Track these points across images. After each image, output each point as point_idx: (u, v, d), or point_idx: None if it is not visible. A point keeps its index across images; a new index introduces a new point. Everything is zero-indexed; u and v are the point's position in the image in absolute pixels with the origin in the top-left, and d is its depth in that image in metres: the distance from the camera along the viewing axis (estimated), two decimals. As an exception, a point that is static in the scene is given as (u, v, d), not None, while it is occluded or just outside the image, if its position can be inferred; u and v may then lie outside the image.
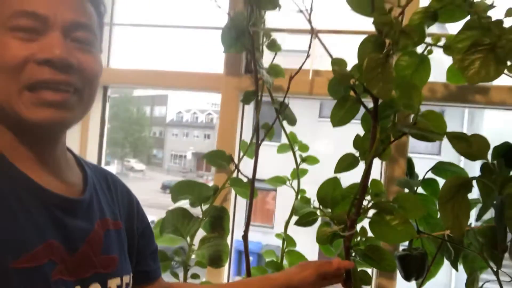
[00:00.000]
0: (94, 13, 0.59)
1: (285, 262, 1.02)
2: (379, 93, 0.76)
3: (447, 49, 0.81)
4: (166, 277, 0.97)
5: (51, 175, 0.58)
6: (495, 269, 0.88)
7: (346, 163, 0.88)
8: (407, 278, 0.94)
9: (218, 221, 1.03)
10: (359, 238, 0.87)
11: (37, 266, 0.50)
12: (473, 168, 1.01)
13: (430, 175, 1.00)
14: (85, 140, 1.17)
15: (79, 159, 0.68)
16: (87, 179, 0.64)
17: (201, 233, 1.04)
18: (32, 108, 0.52)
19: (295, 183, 1.05)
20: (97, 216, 0.62)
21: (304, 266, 0.75)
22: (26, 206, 0.52)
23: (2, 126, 0.55)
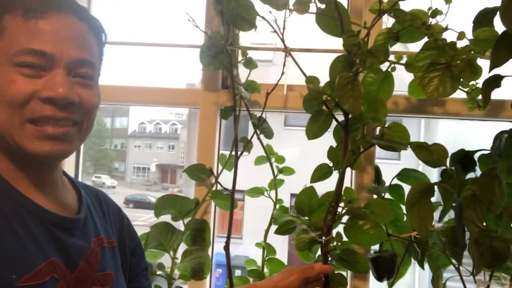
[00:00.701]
0: (96, 44, 0.62)
1: (265, 270, 1.06)
2: (350, 109, 0.83)
3: (408, 66, 0.90)
4: (150, 290, 0.99)
5: (49, 196, 0.60)
6: (456, 266, 0.97)
7: (321, 173, 0.94)
8: (379, 278, 1.01)
9: (199, 234, 1.06)
10: (335, 243, 0.93)
11: (40, 283, 0.52)
12: (430, 172, 1.11)
13: (395, 181, 1.09)
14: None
15: (73, 180, 0.70)
16: (81, 199, 0.67)
17: (183, 246, 1.06)
18: (34, 140, 0.55)
19: (272, 193, 1.10)
20: (93, 234, 0.65)
21: (289, 272, 0.78)
22: (27, 226, 0.54)
23: (2, 153, 0.57)
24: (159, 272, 1.00)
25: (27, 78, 0.54)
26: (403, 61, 0.92)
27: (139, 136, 29.33)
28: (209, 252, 1.09)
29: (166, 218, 1.06)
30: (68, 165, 1.23)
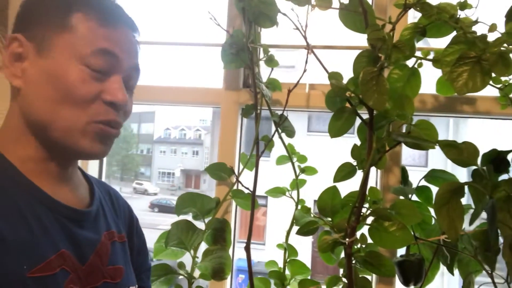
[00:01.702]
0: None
1: (287, 272, 1.04)
2: (375, 105, 0.80)
3: (436, 62, 0.86)
4: (170, 289, 0.99)
5: (62, 188, 0.61)
6: (489, 271, 0.92)
7: (344, 172, 0.91)
8: (406, 283, 0.97)
9: (220, 233, 1.05)
10: (359, 245, 0.90)
11: (51, 275, 0.52)
12: (459, 176, 1.06)
13: (423, 182, 1.05)
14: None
15: (85, 173, 0.71)
16: (93, 192, 0.68)
17: (203, 246, 1.05)
18: (89, 139, 0.58)
19: (294, 193, 1.08)
20: (104, 228, 0.65)
21: None
22: (39, 218, 0.55)
23: (34, 145, 0.58)
24: (179, 271, 1.00)
25: (94, 80, 0.57)
26: (430, 56, 0.89)
27: (164, 142, 29.84)
28: (230, 253, 1.07)
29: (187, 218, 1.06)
30: (92, 168, 1.25)
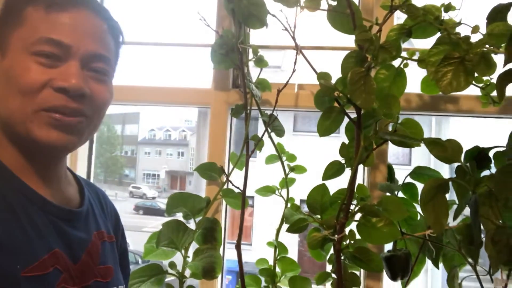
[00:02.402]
0: (112, 43, 0.63)
1: (277, 269, 1.05)
2: (362, 104, 0.82)
3: (421, 62, 0.89)
4: (162, 289, 0.99)
5: (53, 189, 0.61)
6: (473, 264, 0.95)
7: (333, 170, 0.93)
8: (393, 278, 1.00)
9: (210, 233, 1.06)
10: (348, 241, 0.92)
11: (44, 274, 0.52)
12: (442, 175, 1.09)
13: (408, 179, 1.07)
14: (74, 161, 1.18)
15: (75, 174, 0.71)
16: (83, 193, 0.68)
17: (193, 245, 1.06)
18: (43, 127, 0.55)
19: (283, 192, 1.09)
20: (94, 228, 0.66)
21: None
22: (32, 217, 0.55)
23: (10, 144, 0.58)
24: (170, 271, 1.00)
25: (42, 67, 0.55)
26: (415, 57, 0.91)
27: (149, 143, 29.57)
28: (221, 252, 1.08)
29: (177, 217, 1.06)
30: (80, 172, 1.24)
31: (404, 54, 0.93)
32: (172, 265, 1.02)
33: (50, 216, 0.57)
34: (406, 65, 0.93)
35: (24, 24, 0.56)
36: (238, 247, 1.03)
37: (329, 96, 0.89)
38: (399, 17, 1.01)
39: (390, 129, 0.94)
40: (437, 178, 0.85)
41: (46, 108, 0.55)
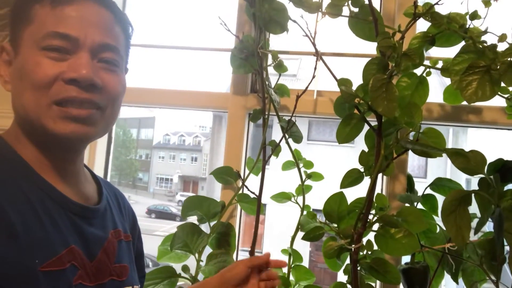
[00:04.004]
0: (122, 34, 0.63)
1: (291, 278, 1.03)
2: (384, 111, 0.81)
3: (445, 71, 0.87)
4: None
5: (71, 186, 0.61)
6: (494, 281, 0.92)
7: (351, 178, 0.92)
8: (410, 291, 0.97)
9: (224, 238, 1.05)
10: (365, 252, 0.90)
11: (61, 269, 0.52)
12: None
13: (428, 191, 1.05)
14: (92, 161, 1.20)
15: (93, 173, 0.72)
16: (101, 191, 0.68)
17: (207, 249, 1.05)
18: (58, 121, 0.56)
19: (299, 199, 1.08)
20: (111, 226, 0.66)
21: (236, 263, 0.76)
22: (50, 213, 0.55)
23: (28, 140, 0.59)
24: (183, 275, 0.99)
25: (52, 61, 0.56)
26: (439, 65, 0.89)
27: (163, 147, 29.81)
28: (234, 257, 1.07)
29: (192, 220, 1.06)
30: (97, 172, 1.25)
31: (426, 62, 0.91)
32: (185, 268, 1.02)
33: (68, 213, 0.57)
34: (429, 73, 0.91)
35: (33, 22, 0.57)
36: (251, 255, 1.02)
37: (349, 102, 0.87)
38: (421, 24, 1.00)
39: (411, 138, 0.92)
40: (460, 190, 0.82)
41: (58, 101, 0.56)
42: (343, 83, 0.87)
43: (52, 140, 0.57)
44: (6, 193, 0.51)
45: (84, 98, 0.56)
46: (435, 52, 1.04)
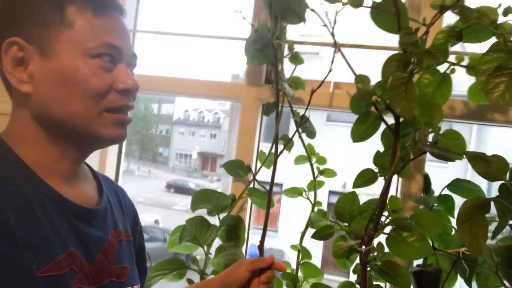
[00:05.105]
0: None
1: (300, 274, 1.03)
2: (402, 112, 0.77)
3: (470, 69, 0.82)
4: (182, 283, 0.99)
5: (72, 186, 0.61)
6: (510, 289, 0.88)
7: (364, 178, 0.89)
8: (421, 294, 0.95)
9: (234, 230, 1.05)
10: (375, 254, 0.88)
11: (59, 274, 0.52)
12: (480, 182, 1.02)
13: (445, 191, 1.01)
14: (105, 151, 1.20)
15: (94, 171, 0.71)
16: (102, 190, 0.67)
17: (217, 241, 1.05)
18: (110, 127, 0.59)
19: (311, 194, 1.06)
20: (111, 226, 0.65)
21: (237, 265, 0.76)
22: (50, 216, 0.54)
23: (41, 141, 0.58)
24: (192, 266, 1.00)
25: (104, 72, 0.58)
26: (465, 62, 0.84)
27: (183, 123, 30.06)
28: (243, 249, 1.07)
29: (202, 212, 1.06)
30: (111, 147, 1.26)
31: (452, 58, 0.86)
32: (194, 260, 1.02)
33: (67, 215, 0.57)
34: (453, 71, 0.85)
35: (71, 26, 0.56)
36: (260, 247, 1.01)
37: (366, 101, 0.83)
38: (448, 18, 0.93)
39: (430, 139, 0.88)
40: (478, 196, 0.78)
41: (110, 109, 0.59)
42: (361, 80, 0.83)
43: (94, 143, 0.62)
44: (5, 196, 0.51)
45: (131, 105, 0.62)
46: (461, 46, 0.98)
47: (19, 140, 0.58)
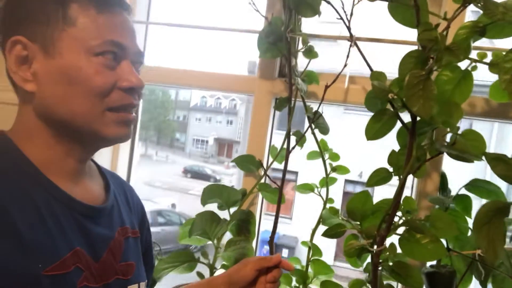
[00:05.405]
0: None
1: (310, 270, 1.02)
2: (419, 111, 0.74)
3: (493, 67, 0.78)
4: (192, 276, 1.00)
5: (78, 185, 0.61)
6: (527, 294, 0.86)
7: (378, 177, 0.87)
8: (434, 295, 0.93)
9: (244, 225, 1.04)
10: (387, 254, 0.86)
11: (65, 273, 0.52)
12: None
13: (463, 191, 0.98)
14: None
15: (101, 168, 0.71)
16: (109, 188, 0.67)
17: (228, 235, 1.05)
18: (113, 126, 0.58)
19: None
20: (118, 224, 0.65)
21: (244, 263, 0.74)
22: (55, 215, 0.54)
23: (50, 140, 0.58)
24: (202, 259, 1.00)
25: (107, 70, 0.57)
26: (487, 60, 0.80)
27: (200, 109, 30.16)
28: (254, 244, 1.07)
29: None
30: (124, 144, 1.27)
31: (474, 54, 0.82)
32: (204, 253, 1.02)
33: (74, 213, 0.57)
34: (474, 68, 0.82)
35: (74, 24, 0.56)
36: (271, 243, 1.00)
37: (382, 99, 0.81)
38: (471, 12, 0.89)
39: (448, 139, 0.84)
40: (497, 200, 0.75)
41: (114, 108, 0.58)
42: (377, 77, 0.80)
43: (98, 142, 0.60)
44: (11, 195, 0.51)
45: (135, 104, 0.61)
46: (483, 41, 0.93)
47: (25, 138, 0.58)
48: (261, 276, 0.73)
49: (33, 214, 0.52)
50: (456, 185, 1.00)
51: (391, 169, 0.86)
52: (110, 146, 0.65)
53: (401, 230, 0.84)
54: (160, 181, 17.20)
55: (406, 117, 0.84)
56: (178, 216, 9.92)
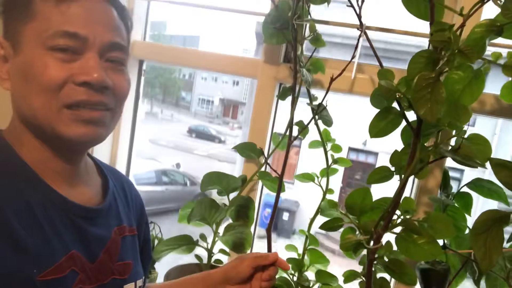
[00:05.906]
0: (125, 31, 0.59)
1: (306, 258, 1.03)
2: (426, 115, 0.71)
3: (507, 68, 0.75)
4: (190, 259, 1.02)
5: (74, 186, 0.60)
6: (518, 295, 0.87)
7: (379, 175, 0.85)
8: (426, 290, 0.94)
9: (243, 210, 1.05)
10: (383, 251, 0.87)
11: (60, 277, 0.52)
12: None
13: (464, 189, 0.97)
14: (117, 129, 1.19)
15: (99, 164, 0.69)
16: (107, 186, 0.66)
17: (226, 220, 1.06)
18: (70, 124, 0.54)
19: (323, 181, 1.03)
20: (115, 223, 0.65)
21: (240, 259, 0.74)
22: (51, 218, 0.54)
23: (32, 142, 0.57)
24: (200, 243, 1.02)
25: (61, 63, 0.53)
26: (501, 61, 0.76)
27: (206, 68, 29.68)
28: (252, 229, 1.08)
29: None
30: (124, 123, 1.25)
31: (488, 53, 0.78)
32: (203, 237, 1.04)
33: (70, 215, 0.56)
34: (487, 69, 0.78)
35: (36, 18, 0.53)
36: (268, 231, 1.01)
37: (388, 99, 0.78)
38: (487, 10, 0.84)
39: (453, 142, 0.82)
40: (497, 210, 0.74)
41: (70, 104, 0.53)
42: (384, 76, 0.77)
43: (61, 143, 0.56)
44: (8, 201, 0.50)
45: (96, 101, 0.55)
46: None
47: (16, 140, 0.57)
48: (257, 272, 0.73)
49: (29, 220, 0.51)
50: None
51: (392, 168, 0.85)
52: (81, 148, 0.60)
53: (398, 229, 0.84)
54: (165, 140, 17.30)
55: (411, 115, 0.81)
56: (182, 176, 10.04)
